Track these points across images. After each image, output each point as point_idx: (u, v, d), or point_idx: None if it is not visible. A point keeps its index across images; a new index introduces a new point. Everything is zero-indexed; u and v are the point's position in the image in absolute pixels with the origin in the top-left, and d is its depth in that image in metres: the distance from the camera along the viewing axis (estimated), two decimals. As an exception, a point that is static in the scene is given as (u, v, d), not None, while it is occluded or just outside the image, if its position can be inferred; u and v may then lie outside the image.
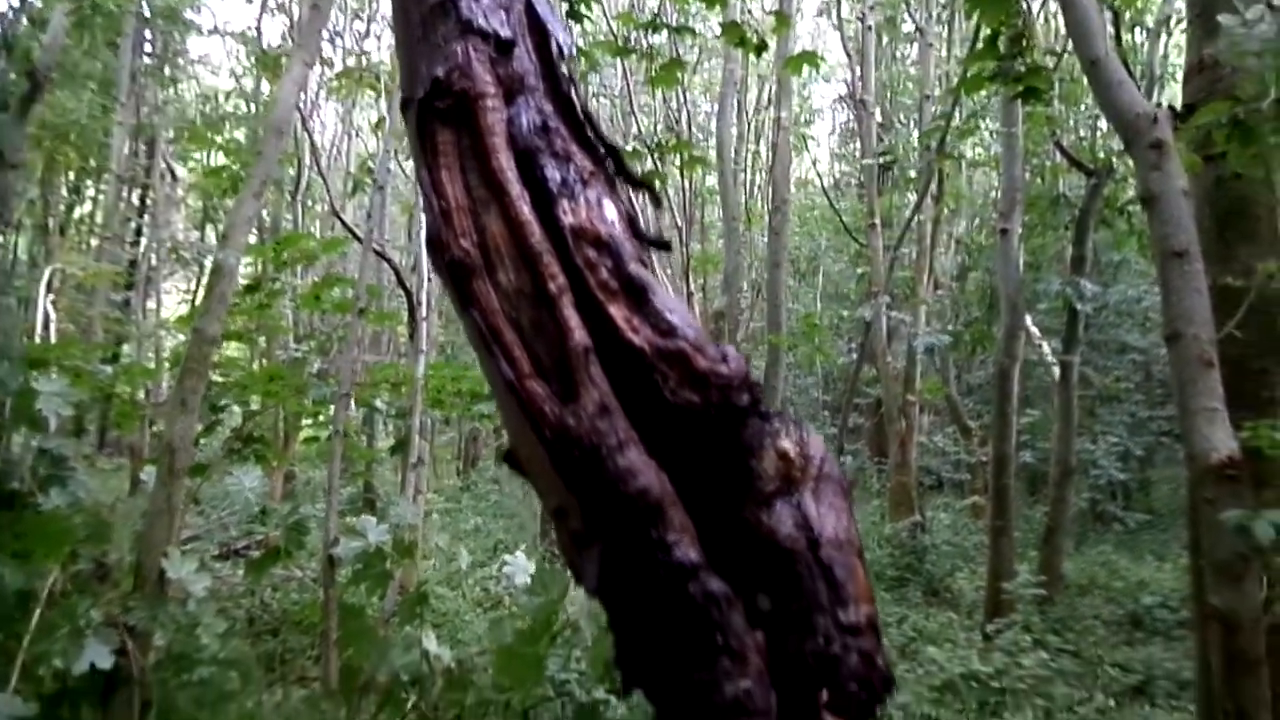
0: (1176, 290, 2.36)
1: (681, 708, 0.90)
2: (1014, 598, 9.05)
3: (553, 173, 1.10)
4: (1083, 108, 12.21)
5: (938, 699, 6.89)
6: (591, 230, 1.03)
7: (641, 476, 0.95)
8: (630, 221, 1.08)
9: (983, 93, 6.80)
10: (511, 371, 0.99)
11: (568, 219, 1.03)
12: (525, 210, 1.04)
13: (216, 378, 7.12)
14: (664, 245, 1.26)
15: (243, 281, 6.45)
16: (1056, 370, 11.07)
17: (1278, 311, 3.76)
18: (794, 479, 0.99)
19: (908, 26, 17.67)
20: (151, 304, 17.08)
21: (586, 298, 1.01)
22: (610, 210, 1.07)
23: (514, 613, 7.21)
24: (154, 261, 17.23)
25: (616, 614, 0.97)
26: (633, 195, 1.19)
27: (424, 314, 5.46)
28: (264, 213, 15.42)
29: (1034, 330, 12.61)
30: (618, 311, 1.00)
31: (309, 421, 9.62)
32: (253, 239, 12.48)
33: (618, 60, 10.27)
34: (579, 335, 0.99)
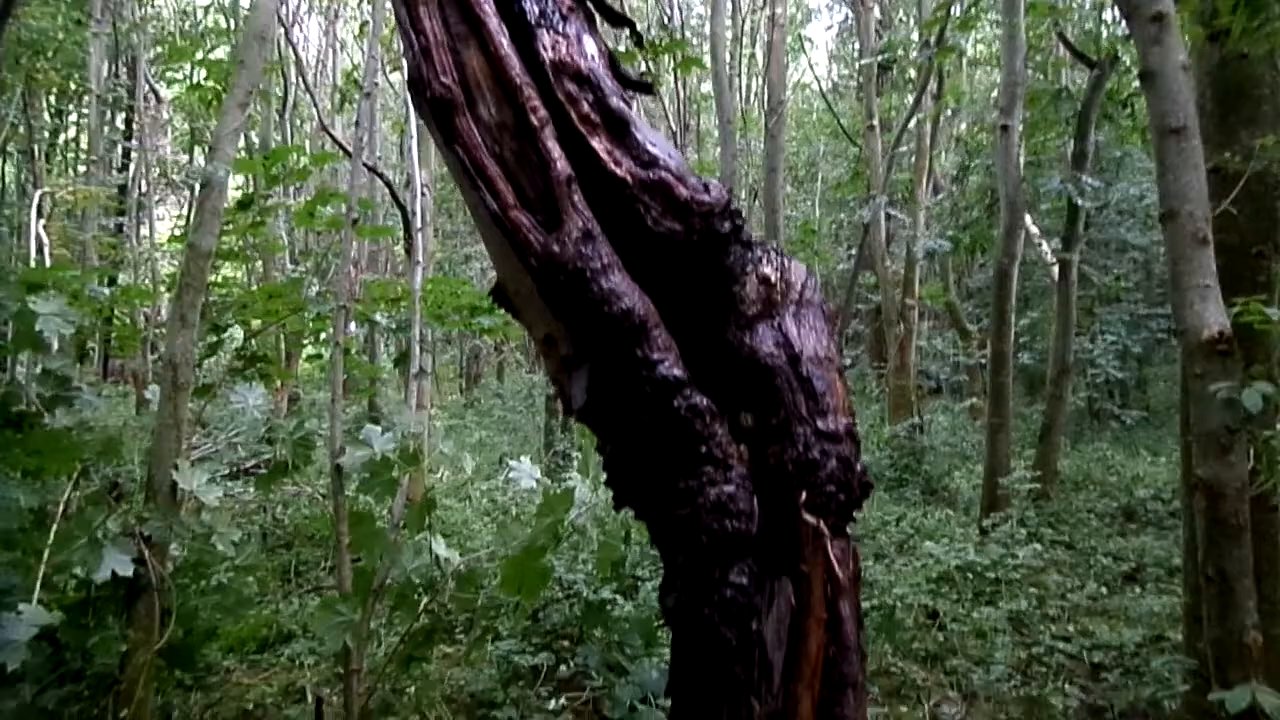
0: (1173, 168, 2.34)
1: (669, 518, 0.94)
2: (1010, 493, 9.24)
3: (531, 6, 1.08)
4: (1086, -3, 11.86)
5: (935, 590, 7.10)
6: (572, 64, 1.02)
7: (625, 298, 0.96)
8: (610, 60, 1.08)
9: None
10: (496, 203, 1.00)
11: (548, 54, 1.02)
12: (504, 44, 1.03)
13: (215, 297, 7.13)
14: (646, 88, 1.25)
15: (234, 196, 6.37)
16: (1056, 270, 11.04)
17: (1275, 196, 3.73)
18: (775, 303, 1.01)
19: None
20: (145, 230, 16.94)
21: (568, 131, 1.01)
22: (590, 45, 1.06)
23: (520, 519, 7.38)
24: (144, 186, 17.01)
25: (605, 433, 1.00)
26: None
27: (419, 226, 5.42)
28: (253, 133, 15.13)
29: (1034, 230, 12.53)
30: (599, 144, 1.00)
31: (310, 340, 9.66)
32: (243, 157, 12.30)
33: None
34: (561, 165, 0.99)
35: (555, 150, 1.01)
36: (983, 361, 12.82)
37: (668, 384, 0.96)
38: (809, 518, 0.96)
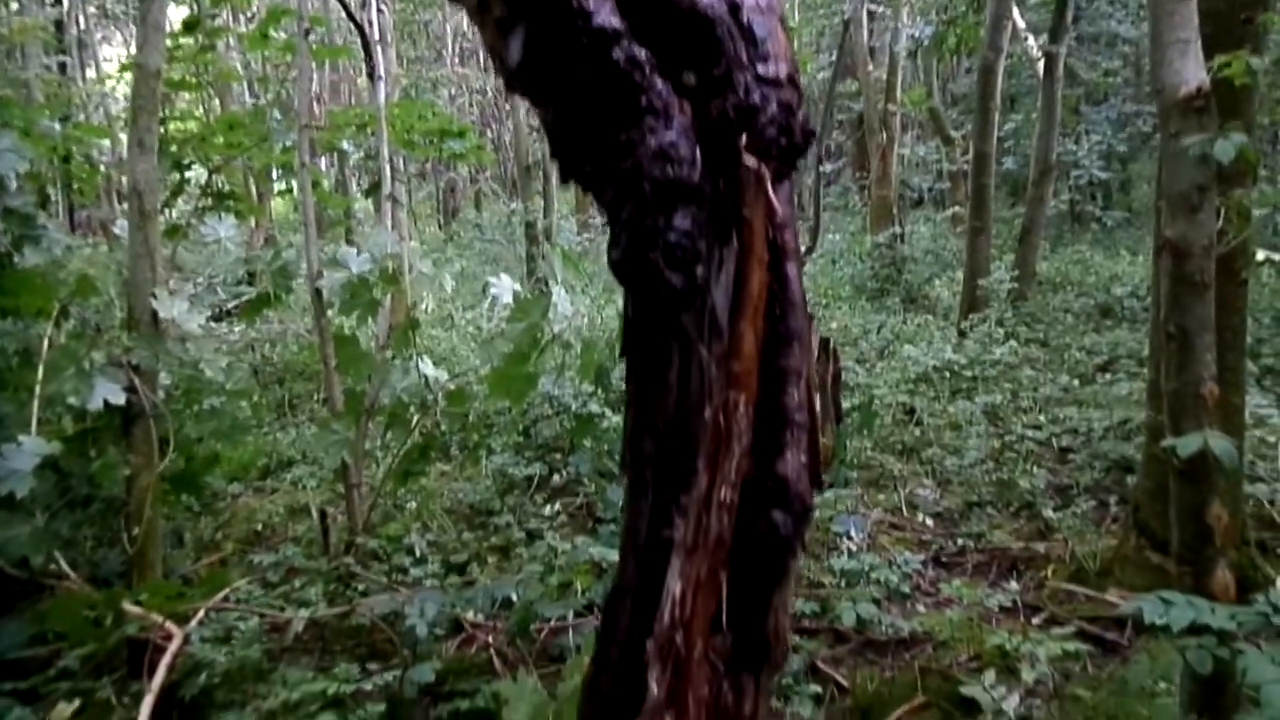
0: (1158, -82, 2.22)
1: (613, 174, 0.96)
2: (988, 295, 9.36)
3: None
4: None
5: (913, 390, 7.33)
6: None
7: (558, -49, 0.92)
8: None
9: None
10: None
11: None
12: None
13: (173, 130, 6.86)
14: None
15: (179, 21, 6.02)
16: (1042, 65, 10.70)
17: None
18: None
19: None
20: (92, 73, 16.09)
21: None
22: None
23: (503, 335, 7.45)
24: (82, 23, 15.99)
25: (543, 95, 0.98)
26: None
27: (376, 38, 5.15)
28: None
29: (1020, 24, 12.03)
30: None
31: (279, 177, 9.39)
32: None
33: None
34: None
35: None
36: (965, 167, 12.64)
37: (604, 34, 0.94)
38: (750, 160, 0.97)
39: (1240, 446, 2.30)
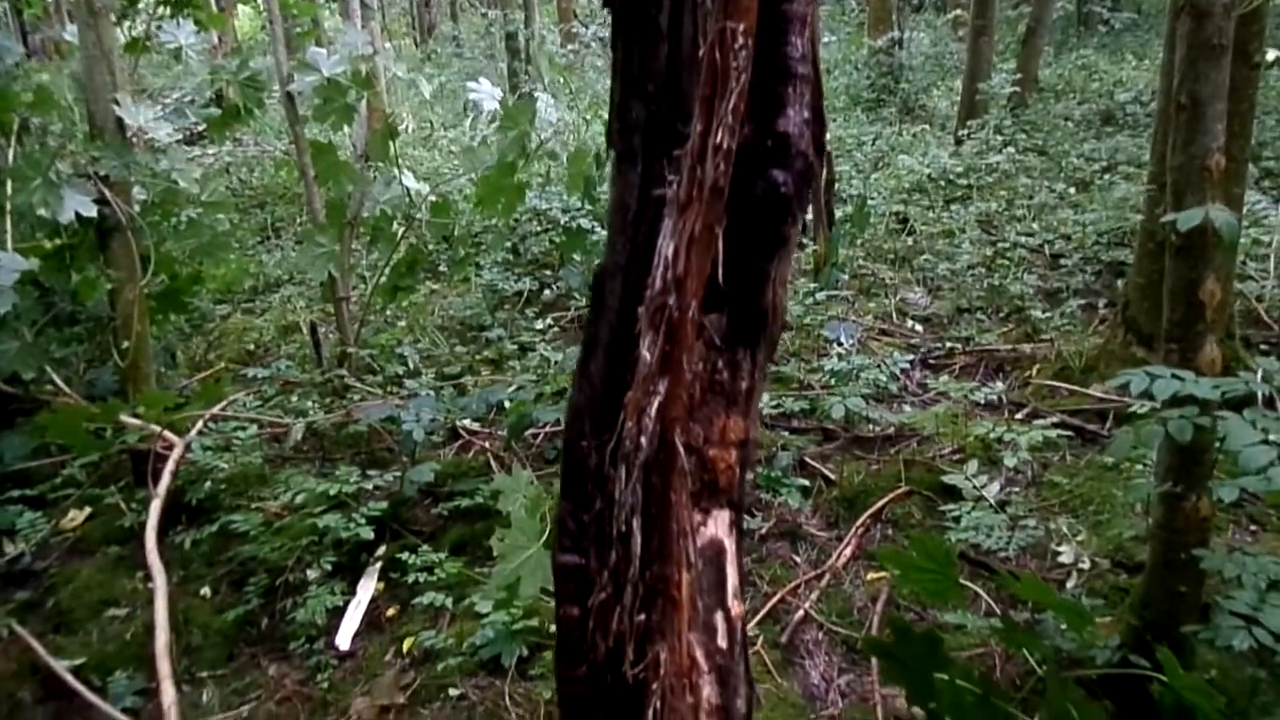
0: None
1: None
2: (988, 100, 9.05)
3: None
4: None
5: (907, 199, 7.21)
6: None
7: None
8: None
9: None
10: None
11: None
12: None
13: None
14: None
15: None
16: None
17: None
18: None
19: None
20: None
21: None
22: None
23: (487, 143, 7.23)
24: None
25: None
26: None
27: None
28: None
29: None
30: None
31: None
32: None
33: None
34: None
35: None
36: (969, -35, 11.90)
37: None
38: None
39: (1235, 240, 2.26)
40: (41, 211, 3.51)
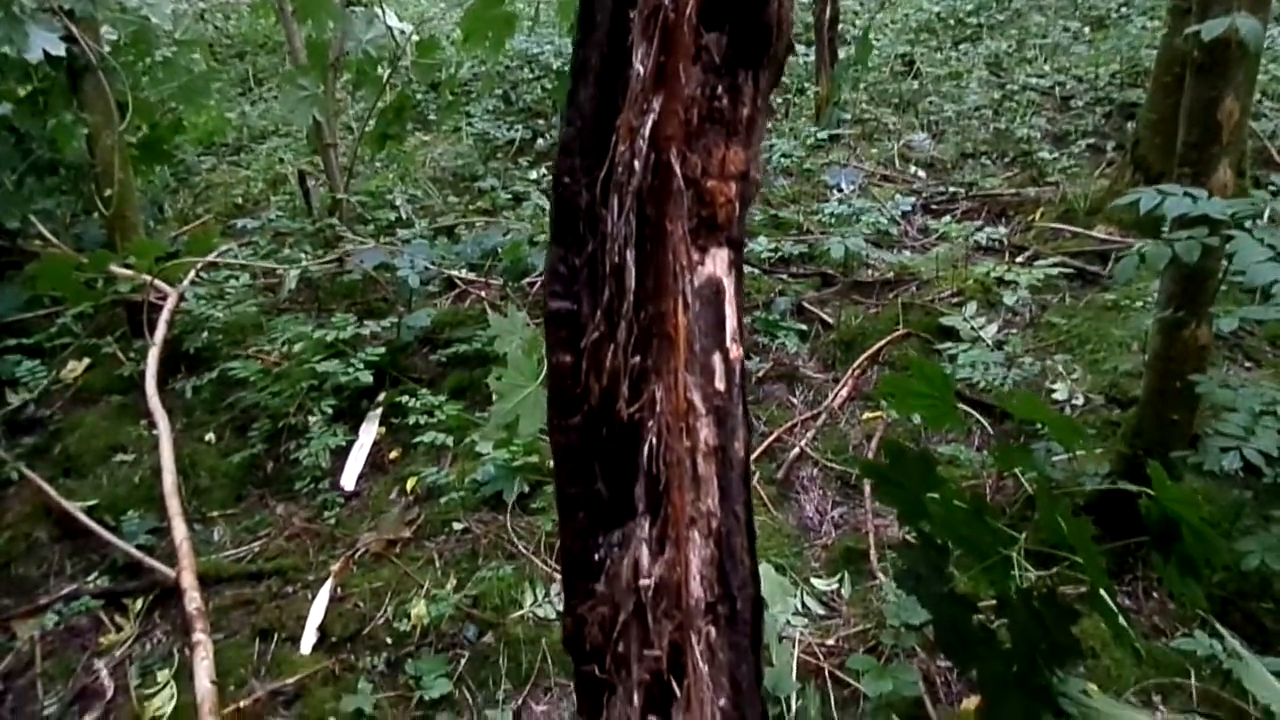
0: None
1: None
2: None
3: None
4: None
5: (913, 40, 6.91)
6: None
7: None
8: None
9: None
10: None
11: None
12: None
13: None
14: None
15: None
16: None
17: None
18: None
19: None
20: None
21: None
22: None
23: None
24: None
25: None
26: None
27: None
28: None
29: None
30: None
31: None
32: None
33: None
34: None
35: None
36: None
37: None
38: None
39: (1259, 47, 2.14)
40: (6, 49, 3.34)
